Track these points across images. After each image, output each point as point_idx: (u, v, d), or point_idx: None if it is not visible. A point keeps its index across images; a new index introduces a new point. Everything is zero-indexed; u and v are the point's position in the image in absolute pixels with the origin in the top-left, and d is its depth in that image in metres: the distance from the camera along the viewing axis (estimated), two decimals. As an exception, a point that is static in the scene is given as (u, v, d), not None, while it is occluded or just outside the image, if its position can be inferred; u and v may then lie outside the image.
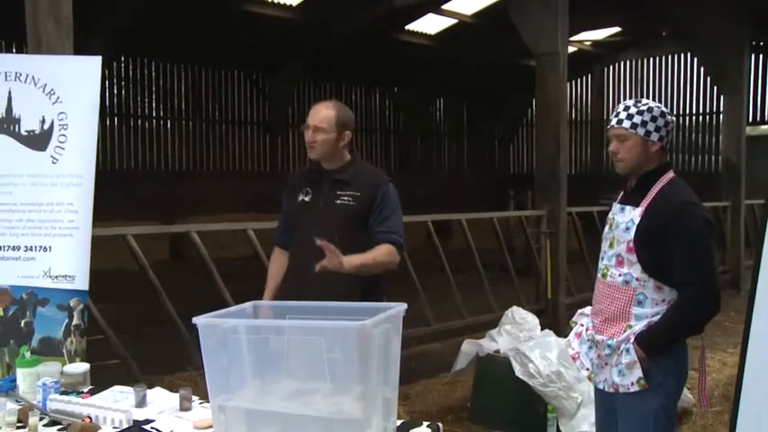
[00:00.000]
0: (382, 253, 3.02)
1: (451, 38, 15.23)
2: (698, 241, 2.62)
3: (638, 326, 2.69)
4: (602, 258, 2.86)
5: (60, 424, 2.48)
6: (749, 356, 1.96)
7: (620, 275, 2.74)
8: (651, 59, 18.72)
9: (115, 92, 14.76)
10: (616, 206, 2.87)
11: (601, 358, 2.82)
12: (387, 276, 3.25)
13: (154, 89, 15.44)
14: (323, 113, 3.08)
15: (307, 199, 3.13)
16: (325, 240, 2.81)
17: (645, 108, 2.73)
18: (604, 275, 2.82)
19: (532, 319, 5.24)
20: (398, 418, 2.52)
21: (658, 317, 2.68)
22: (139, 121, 15.30)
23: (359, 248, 2.98)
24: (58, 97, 3.45)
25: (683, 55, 17.94)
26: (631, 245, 2.70)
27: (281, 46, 14.32)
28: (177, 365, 4.99)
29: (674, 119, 2.81)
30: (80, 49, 3.99)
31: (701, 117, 18.18)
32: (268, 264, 3.41)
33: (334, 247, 2.82)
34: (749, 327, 1.97)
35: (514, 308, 5.40)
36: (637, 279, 2.70)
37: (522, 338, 4.96)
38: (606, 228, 2.89)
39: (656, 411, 2.69)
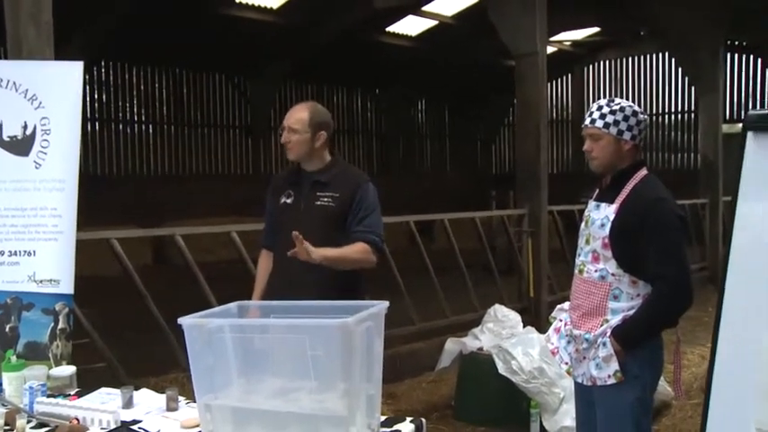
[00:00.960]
0: (355, 250, 3.07)
1: (432, 39, 15.31)
2: (670, 236, 2.70)
3: (615, 320, 2.76)
4: (579, 255, 2.93)
5: (48, 426, 2.50)
6: (719, 348, 2.02)
7: (596, 271, 2.81)
8: (630, 59, 18.93)
9: (96, 96, 14.69)
10: (591, 203, 2.94)
11: (579, 352, 2.89)
12: (367, 276, 3.29)
13: (135, 94, 15.38)
14: (296, 115, 3.15)
15: (288, 201, 3.18)
16: (299, 236, 2.87)
17: (617, 108, 2.80)
18: (581, 271, 2.89)
19: (515, 317, 5.31)
20: (383, 415, 2.57)
21: (634, 311, 2.76)
22: (121, 126, 15.24)
23: None
24: (41, 102, 3.47)
25: (661, 54, 18.15)
26: (606, 241, 2.76)
27: (263, 49, 14.33)
28: (163, 368, 5.01)
29: (647, 118, 2.88)
30: (60, 53, 4.00)
31: (679, 115, 18.40)
32: (252, 266, 3.45)
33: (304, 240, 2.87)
34: (719, 319, 2.04)
35: (497, 306, 5.47)
36: (612, 274, 2.77)
37: (504, 336, 5.03)
38: (582, 224, 2.96)
39: (633, 403, 2.76)
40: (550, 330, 3.13)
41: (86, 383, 2.96)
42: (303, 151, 3.14)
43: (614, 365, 2.74)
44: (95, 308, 5.65)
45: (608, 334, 2.76)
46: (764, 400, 1.86)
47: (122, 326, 6.45)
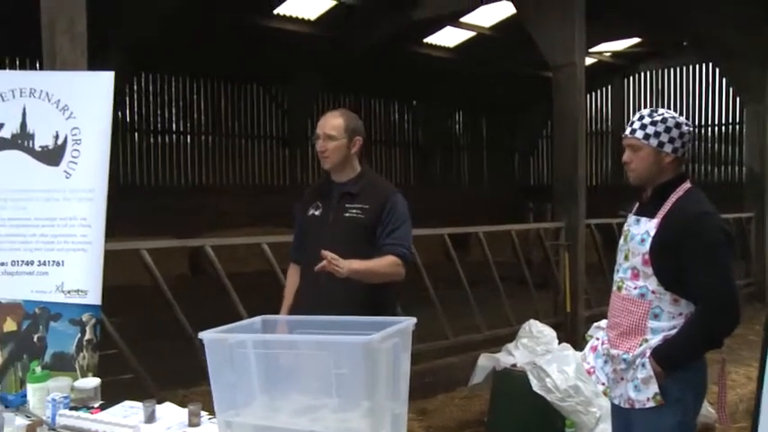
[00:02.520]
0: (385, 264, 3.00)
1: (470, 50, 15.23)
2: (715, 252, 2.57)
3: (655, 340, 2.64)
4: (618, 271, 2.82)
5: (69, 439, 2.48)
6: (768, 370, 1.89)
7: (635, 288, 2.69)
8: (671, 70, 18.59)
9: (135, 107, 14.93)
10: (631, 218, 2.83)
11: (617, 373, 2.77)
12: (399, 289, 3.22)
13: (174, 104, 15.59)
14: (332, 122, 3.09)
15: (317, 213, 3.12)
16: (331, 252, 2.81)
17: (659, 118, 2.69)
18: (620, 288, 2.77)
19: (549, 333, 5.17)
20: (411, 433, 2.49)
21: (675, 330, 2.63)
22: (159, 137, 15.45)
23: None
24: (72, 113, 3.47)
25: (703, 65, 17.78)
26: (647, 257, 2.65)
27: (300, 60, 14.41)
28: (192, 381, 4.98)
29: (691, 129, 2.75)
30: (98, 64, 4.01)
31: (723, 127, 17.99)
32: (283, 278, 3.40)
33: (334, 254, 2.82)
34: None
35: (531, 321, 5.33)
36: (653, 292, 2.65)
37: (539, 352, 4.89)
38: (621, 240, 2.85)
39: (673, 428, 2.63)
40: (587, 349, 3.02)
41: (114, 394, 2.93)
42: (340, 158, 3.08)
43: (654, 388, 2.62)
44: (129, 317, 5.68)
45: (647, 354, 2.63)
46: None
47: (154, 336, 6.46)
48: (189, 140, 15.87)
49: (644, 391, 2.65)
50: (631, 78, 19.29)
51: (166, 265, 4.79)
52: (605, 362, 2.87)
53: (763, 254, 10.49)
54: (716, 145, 18.06)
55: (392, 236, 3.02)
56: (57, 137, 3.47)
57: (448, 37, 14.90)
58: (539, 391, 4.48)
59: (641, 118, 2.72)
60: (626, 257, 2.76)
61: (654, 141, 2.67)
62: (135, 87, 14.78)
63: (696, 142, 17.59)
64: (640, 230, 2.70)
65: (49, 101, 3.50)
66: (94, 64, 4.00)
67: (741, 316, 2.61)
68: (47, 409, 2.64)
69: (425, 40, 14.89)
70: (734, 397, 5.04)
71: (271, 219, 13.10)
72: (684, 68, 18.34)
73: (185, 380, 4.94)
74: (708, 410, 4.42)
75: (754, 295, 9.72)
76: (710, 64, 16.96)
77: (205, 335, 2.28)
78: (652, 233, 2.65)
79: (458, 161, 20.76)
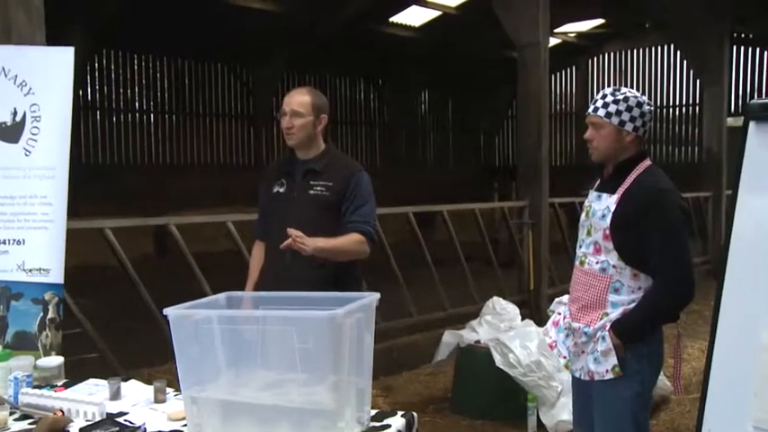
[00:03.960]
0: (350, 241, 3.02)
1: (436, 30, 15.20)
2: (672, 228, 2.64)
3: (615, 313, 2.71)
4: (580, 246, 2.87)
5: (32, 418, 2.46)
6: (717, 342, 1.97)
7: (597, 263, 2.75)
8: (635, 51, 18.82)
9: (97, 86, 14.64)
10: (593, 193, 2.88)
11: (577, 346, 2.83)
12: (365, 267, 3.24)
13: (136, 83, 15.32)
14: (298, 98, 3.08)
15: (281, 190, 3.12)
16: (296, 230, 2.82)
17: (621, 98, 2.73)
18: (582, 263, 2.83)
19: (513, 309, 5.25)
20: (379, 409, 2.52)
21: (634, 304, 2.70)
22: (122, 115, 15.19)
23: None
24: (30, 89, 3.41)
25: (665, 47, 18.02)
26: (608, 232, 2.70)
27: (265, 38, 14.25)
28: (157, 360, 4.95)
29: (653, 109, 2.81)
30: (60, 41, 3.93)
31: (683, 108, 18.29)
32: (248, 257, 3.40)
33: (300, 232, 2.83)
34: (718, 312, 1.98)
35: (495, 298, 5.41)
36: (614, 266, 2.71)
37: (502, 329, 4.97)
38: (583, 215, 2.90)
39: (631, 398, 2.70)
40: (549, 323, 3.08)
41: (78, 374, 2.92)
42: (305, 136, 3.08)
43: (613, 360, 2.69)
44: (92, 298, 5.62)
45: (607, 327, 2.70)
46: (760, 399, 1.80)
47: (118, 316, 6.41)
48: (152, 119, 15.63)
49: (603, 363, 2.71)
50: (595, 59, 19.47)
51: (130, 245, 4.74)
52: (567, 336, 2.93)
53: (719, 232, 10.73)
54: (676, 126, 18.35)
55: (357, 213, 3.03)
56: (15, 113, 3.42)
57: (413, 16, 14.84)
58: (502, 367, 4.56)
59: (604, 97, 2.77)
60: (588, 233, 2.81)
61: (615, 120, 2.72)
62: (96, 65, 14.47)
63: (657, 123, 17.84)
64: (601, 206, 2.76)
65: (6, 76, 3.43)
66: (56, 41, 3.92)
67: (697, 292, 2.68)
68: (9, 388, 2.62)
69: (391, 20, 14.82)
70: (689, 370, 5.18)
71: (237, 198, 12.99)
72: (647, 50, 18.57)
73: (150, 360, 4.92)
74: (664, 383, 4.55)
75: (711, 272, 9.95)
76: (672, 46, 17.19)
77: (170, 311, 2.28)
78: (612, 209, 2.70)
79: (423, 141, 20.80)
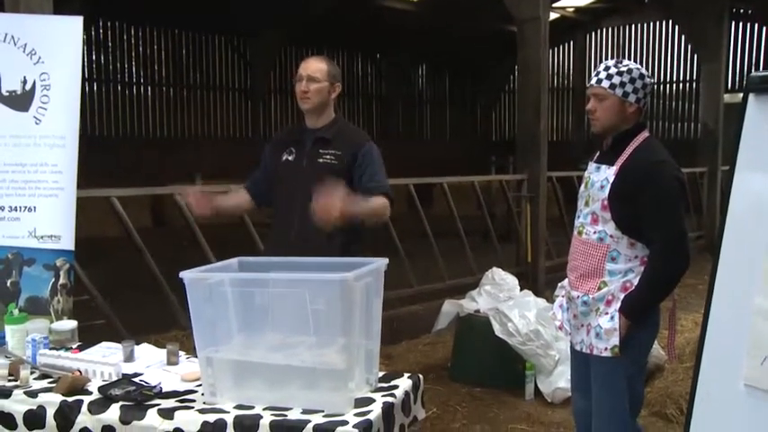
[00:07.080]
0: (379, 204, 3.05)
1: (434, 3, 15.12)
2: (668, 198, 2.70)
3: (613, 282, 2.77)
4: (579, 216, 2.93)
5: (51, 377, 2.54)
6: (712, 311, 2.04)
7: (594, 233, 2.81)
8: (633, 26, 18.76)
9: (93, 57, 14.56)
10: (592, 165, 2.93)
11: (577, 318, 2.89)
12: (364, 237, 3.28)
13: (133, 54, 15.24)
14: (316, 65, 3.14)
15: (290, 158, 3.17)
16: (310, 200, 2.85)
17: (624, 69, 2.78)
18: (580, 233, 2.89)
19: (512, 280, 5.34)
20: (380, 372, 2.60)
21: (631, 272, 2.76)
22: (119, 87, 15.13)
23: None
24: (40, 57, 3.45)
25: (664, 22, 17.98)
26: (606, 203, 2.77)
27: (263, 11, 14.17)
28: (163, 327, 5.05)
29: (653, 82, 2.86)
30: (57, 10, 3.94)
31: (680, 84, 18.29)
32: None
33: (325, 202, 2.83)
34: (713, 283, 2.05)
35: (494, 269, 5.49)
36: (611, 236, 2.77)
37: (501, 298, 5.06)
38: (582, 186, 2.96)
39: (627, 364, 2.77)
40: (555, 306, 3.12)
41: (87, 340, 2.99)
42: (320, 101, 3.12)
43: (614, 340, 2.73)
44: (96, 268, 5.67)
45: (611, 304, 2.75)
46: (751, 358, 1.89)
47: (122, 285, 6.48)
48: (149, 92, 15.58)
49: (604, 341, 2.76)
50: (594, 35, 19.41)
51: (128, 217, 4.80)
52: (567, 308, 2.98)
53: (715, 208, 10.83)
54: (673, 102, 18.36)
55: (374, 179, 3.08)
56: (25, 82, 3.45)
57: (412, -10, 14.78)
58: (500, 336, 4.65)
59: (607, 68, 2.81)
60: (586, 203, 2.88)
61: (619, 91, 2.77)
62: (93, 37, 14.38)
63: (654, 99, 17.86)
64: (600, 177, 2.82)
65: (15, 45, 3.46)
66: (54, 11, 3.92)
67: (691, 266, 2.74)
68: (27, 350, 2.70)
69: (390, -7, 14.74)
70: (682, 340, 5.28)
71: (234, 171, 12.94)
72: (645, 25, 18.52)
73: (156, 327, 5.00)
74: (659, 352, 4.66)
75: (706, 247, 10.06)
76: (671, 21, 17.15)
77: (185, 274, 2.35)
78: (611, 180, 2.76)
79: (420, 115, 20.77)
